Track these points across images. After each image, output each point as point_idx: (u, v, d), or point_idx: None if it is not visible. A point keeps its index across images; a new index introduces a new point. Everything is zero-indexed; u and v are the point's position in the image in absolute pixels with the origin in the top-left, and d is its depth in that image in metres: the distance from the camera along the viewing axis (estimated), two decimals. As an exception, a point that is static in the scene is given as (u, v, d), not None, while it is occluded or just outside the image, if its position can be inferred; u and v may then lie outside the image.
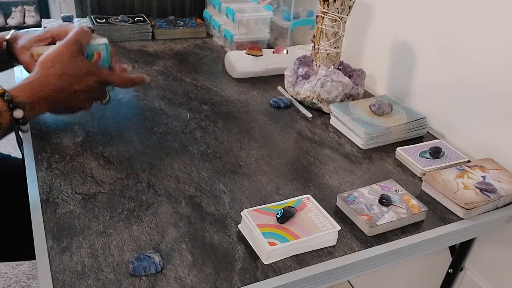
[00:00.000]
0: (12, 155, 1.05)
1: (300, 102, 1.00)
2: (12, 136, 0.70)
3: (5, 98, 0.65)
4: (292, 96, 1.02)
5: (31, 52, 0.79)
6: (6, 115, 0.65)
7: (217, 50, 1.28)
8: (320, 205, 0.66)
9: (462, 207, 0.69)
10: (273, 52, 1.16)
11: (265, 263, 0.59)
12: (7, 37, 0.84)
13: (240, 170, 0.77)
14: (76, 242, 0.59)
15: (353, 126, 0.87)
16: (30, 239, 0.58)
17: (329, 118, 0.94)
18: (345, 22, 0.95)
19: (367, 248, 0.63)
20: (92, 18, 1.28)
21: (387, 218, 0.65)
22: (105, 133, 0.83)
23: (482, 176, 0.75)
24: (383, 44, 1.07)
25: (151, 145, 0.81)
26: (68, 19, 1.26)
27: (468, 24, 0.86)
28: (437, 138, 0.90)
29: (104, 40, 0.80)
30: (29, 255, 0.93)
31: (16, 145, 0.89)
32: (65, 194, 0.67)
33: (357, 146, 0.87)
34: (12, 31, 0.85)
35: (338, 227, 0.62)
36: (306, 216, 0.64)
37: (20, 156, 0.94)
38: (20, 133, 0.82)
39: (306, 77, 0.99)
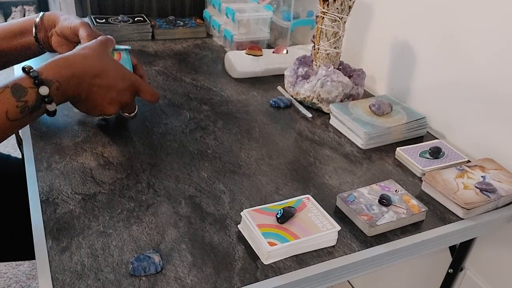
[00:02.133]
0: (12, 155, 1.05)
1: (300, 102, 1.00)
2: (12, 136, 0.70)
3: (30, 74, 0.62)
4: (292, 96, 1.02)
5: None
6: (32, 92, 0.62)
7: (217, 50, 1.28)
8: (320, 205, 0.66)
9: (462, 207, 0.69)
10: (273, 52, 1.16)
11: (265, 263, 0.59)
12: (37, 19, 0.83)
13: (240, 170, 0.77)
14: (75, 242, 0.59)
15: (353, 126, 0.87)
16: (30, 240, 0.58)
17: (329, 118, 0.94)
18: (345, 22, 0.95)
19: (367, 248, 0.63)
20: (92, 18, 1.28)
21: (387, 218, 0.65)
22: (105, 133, 0.83)
23: (482, 176, 0.75)
24: (383, 44, 1.07)
25: (151, 145, 0.81)
26: (68, 19, 1.26)
27: (468, 24, 0.86)
28: (437, 138, 0.90)
29: (126, 46, 0.83)
30: (29, 255, 0.93)
31: (16, 145, 0.89)
32: (65, 194, 0.67)
33: (357, 146, 0.87)
34: (41, 14, 0.84)
35: (338, 227, 0.62)
36: (306, 216, 0.64)
37: (20, 156, 0.94)
38: (20, 133, 0.82)
39: (306, 77, 0.99)
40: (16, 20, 0.85)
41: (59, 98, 0.67)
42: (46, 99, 0.63)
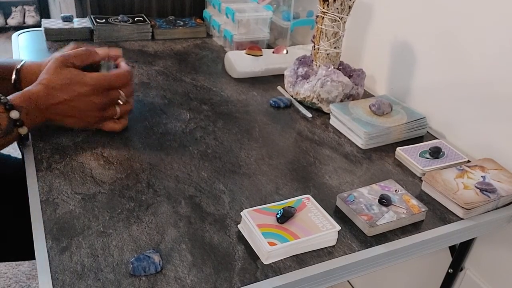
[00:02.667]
0: (12, 155, 1.05)
1: (300, 102, 1.00)
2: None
3: (1, 100, 0.68)
4: (292, 96, 1.02)
5: None
6: (4, 116, 0.68)
7: (217, 50, 1.28)
8: (320, 205, 0.66)
9: (462, 207, 0.69)
10: (273, 52, 1.16)
11: (265, 263, 0.59)
12: (18, 66, 0.81)
13: (240, 170, 0.77)
14: (75, 242, 0.59)
15: (353, 126, 0.87)
16: (30, 239, 0.58)
17: (329, 118, 0.94)
18: (345, 22, 0.95)
19: (367, 248, 0.63)
20: (92, 18, 1.28)
21: (387, 218, 0.65)
22: (105, 133, 0.83)
23: (482, 176, 0.75)
24: (383, 44, 1.07)
25: (151, 145, 0.81)
26: (68, 19, 1.26)
27: (468, 24, 0.86)
28: (437, 138, 0.90)
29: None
30: (29, 255, 0.93)
31: (16, 145, 0.89)
32: (64, 194, 0.67)
33: (357, 146, 0.87)
34: (23, 61, 0.82)
35: (338, 227, 0.62)
36: (306, 216, 0.64)
37: (20, 156, 0.94)
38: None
39: (306, 77, 0.99)
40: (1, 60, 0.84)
41: (30, 122, 0.71)
42: (17, 123, 0.69)
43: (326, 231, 0.61)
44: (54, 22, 1.25)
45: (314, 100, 0.97)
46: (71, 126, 0.80)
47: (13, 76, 0.81)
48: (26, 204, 0.65)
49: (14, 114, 0.68)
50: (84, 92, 0.74)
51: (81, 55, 0.77)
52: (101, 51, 0.81)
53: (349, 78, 0.98)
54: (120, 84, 0.79)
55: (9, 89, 0.80)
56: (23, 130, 0.70)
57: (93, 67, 0.79)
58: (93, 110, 0.77)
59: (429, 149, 0.83)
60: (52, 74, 0.73)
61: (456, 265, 0.89)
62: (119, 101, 0.80)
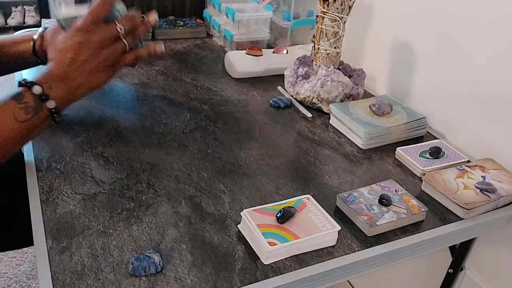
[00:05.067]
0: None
1: (300, 102, 1.00)
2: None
3: (22, 82, 0.68)
4: (292, 96, 1.02)
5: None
6: (28, 94, 0.67)
7: (217, 50, 1.28)
8: (320, 205, 0.66)
9: (462, 207, 0.69)
10: (273, 52, 1.16)
11: (265, 263, 0.59)
12: (35, 36, 0.84)
13: (240, 170, 0.77)
14: (76, 242, 0.59)
15: (353, 126, 0.87)
16: (30, 227, 0.59)
17: (329, 118, 0.94)
18: (345, 22, 0.95)
19: (367, 248, 0.63)
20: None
21: (387, 218, 0.65)
22: (105, 133, 0.83)
23: (482, 176, 0.75)
24: (383, 44, 1.07)
25: (151, 145, 0.81)
26: (68, 19, 1.26)
27: (468, 24, 0.86)
28: (437, 138, 0.90)
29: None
30: (30, 241, 0.94)
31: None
32: (65, 194, 0.67)
33: (357, 146, 0.87)
34: (41, 29, 0.85)
35: (338, 227, 0.62)
36: (306, 216, 0.64)
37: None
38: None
39: (306, 77, 0.99)
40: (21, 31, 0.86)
41: (56, 96, 0.69)
42: (43, 97, 0.67)
43: (326, 231, 0.61)
44: (54, 22, 1.25)
45: (314, 100, 0.97)
46: (102, 83, 0.75)
47: (32, 40, 0.83)
48: (27, 198, 0.65)
49: (36, 89, 0.67)
50: (84, 42, 0.71)
51: (94, 12, 0.73)
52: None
53: (349, 78, 0.98)
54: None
55: (29, 55, 0.84)
56: (50, 104, 0.69)
57: None
58: (103, 48, 0.72)
59: (429, 149, 0.83)
60: (59, 43, 0.73)
61: (456, 265, 0.89)
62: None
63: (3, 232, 0.94)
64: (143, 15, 0.81)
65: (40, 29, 0.85)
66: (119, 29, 0.74)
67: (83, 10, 0.74)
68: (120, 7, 0.76)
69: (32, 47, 0.84)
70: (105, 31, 0.73)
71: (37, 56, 0.85)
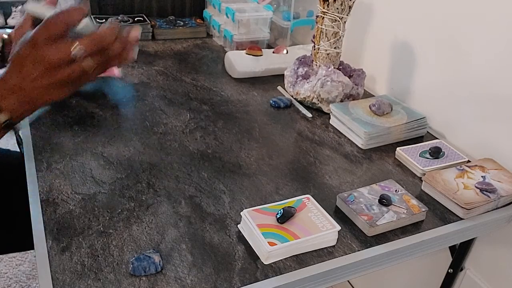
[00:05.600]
0: (12, 149, 1.05)
1: (300, 102, 1.00)
2: (12, 135, 0.69)
3: None
4: (292, 96, 1.02)
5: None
6: None
7: (217, 50, 1.28)
8: (320, 205, 0.66)
9: (462, 207, 0.69)
10: (273, 52, 1.16)
11: (265, 263, 0.59)
12: (4, 36, 0.80)
13: (240, 170, 0.77)
14: (76, 242, 0.59)
15: (353, 126, 0.87)
16: (30, 230, 0.58)
17: (329, 118, 0.94)
18: (345, 22, 0.95)
19: (367, 248, 0.63)
20: (92, 18, 1.27)
21: (387, 218, 0.65)
22: (105, 133, 0.83)
23: (482, 176, 0.75)
24: (383, 44, 1.07)
25: (151, 145, 0.81)
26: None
27: (468, 25, 0.86)
28: (437, 138, 0.90)
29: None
30: (30, 245, 0.93)
31: (16, 145, 0.89)
32: (65, 194, 0.67)
33: (357, 146, 0.87)
34: (11, 30, 0.81)
35: (338, 227, 0.62)
36: (306, 216, 0.64)
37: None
38: (20, 133, 0.82)
39: (306, 77, 0.99)
40: None
41: (10, 105, 0.62)
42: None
43: (326, 231, 0.61)
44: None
45: (314, 100, 0.97)
46: (62, 97, 0.65)
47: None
48: (27, 197, 0.64)
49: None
50: (36, 57, 0.61)
51: (51, 26, 0.62)
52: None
53: (349, 78, 0.98)
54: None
55: None
56: (2, 117, 0.61)
57: None
58: (59, 68, 0.62)
59: (429, 149, 0.83)
60: (18, 58, 0.62)
61: (456, 265, 0.89)
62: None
63: (3, 235, 0.94)
64: (128, 28, 0.70)
65: (10, 31, 0.79)
66: (73, 52, 0.62)
67: (49, 10, 0.64)
68: (85, 23, 0.63)
69: (1, 48, 0.78)
70: (56, 53, 0.62)
71: (3, 56, 0.78)
